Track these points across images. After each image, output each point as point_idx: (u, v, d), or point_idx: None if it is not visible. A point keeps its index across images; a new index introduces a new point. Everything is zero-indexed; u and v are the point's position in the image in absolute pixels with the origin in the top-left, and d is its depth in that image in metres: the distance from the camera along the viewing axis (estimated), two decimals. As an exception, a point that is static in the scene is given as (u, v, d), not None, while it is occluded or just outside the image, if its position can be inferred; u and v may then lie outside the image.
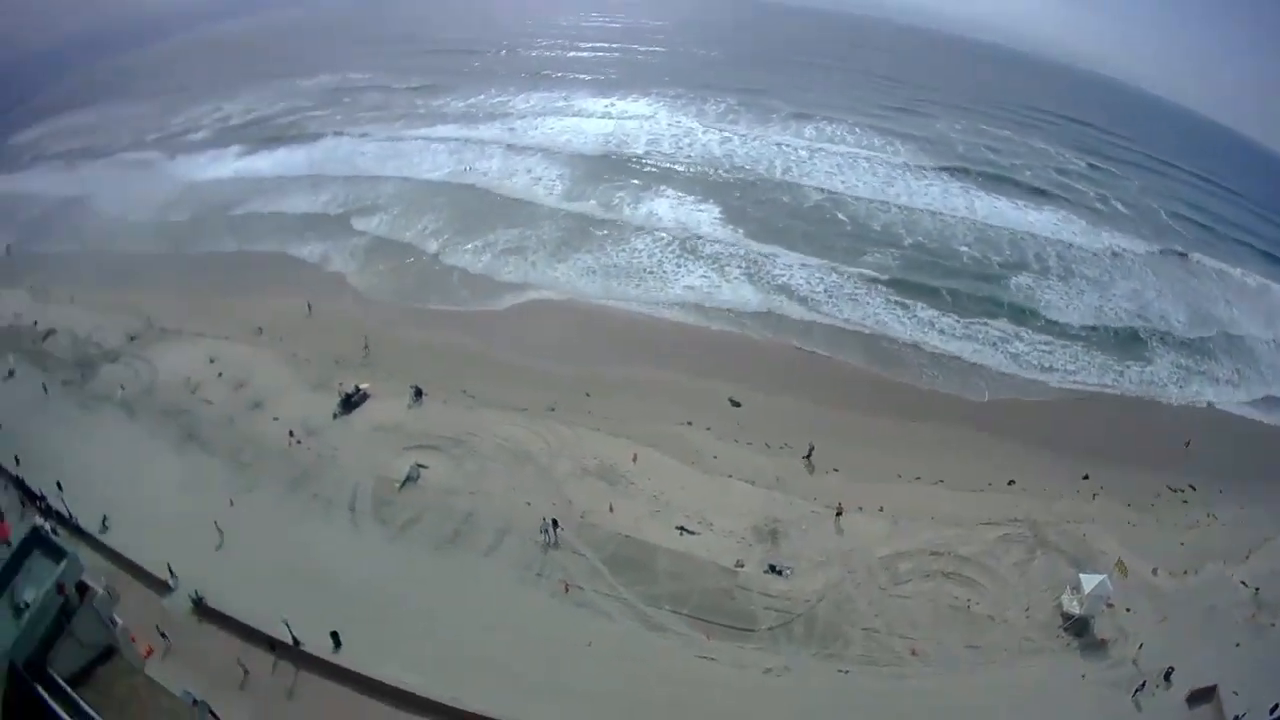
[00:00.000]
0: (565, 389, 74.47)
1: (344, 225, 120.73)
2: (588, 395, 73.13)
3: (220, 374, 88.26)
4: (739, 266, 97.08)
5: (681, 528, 57.17)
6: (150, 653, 54.79)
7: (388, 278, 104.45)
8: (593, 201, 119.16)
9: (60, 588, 48.76)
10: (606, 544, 56.47)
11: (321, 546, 60.94)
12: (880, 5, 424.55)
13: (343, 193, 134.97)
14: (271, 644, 54.16)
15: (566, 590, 53.31)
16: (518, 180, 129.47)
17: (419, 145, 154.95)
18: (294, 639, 52.63)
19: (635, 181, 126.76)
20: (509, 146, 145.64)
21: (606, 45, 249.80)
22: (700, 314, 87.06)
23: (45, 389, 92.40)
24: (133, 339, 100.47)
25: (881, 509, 58.04)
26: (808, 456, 64.07)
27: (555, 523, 58.14)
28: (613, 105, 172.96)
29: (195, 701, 47.74)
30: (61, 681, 45.31)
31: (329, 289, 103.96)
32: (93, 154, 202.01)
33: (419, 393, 77.42)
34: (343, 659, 50.87)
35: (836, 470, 62.60)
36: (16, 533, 57.01)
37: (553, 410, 71.69)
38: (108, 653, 50.12)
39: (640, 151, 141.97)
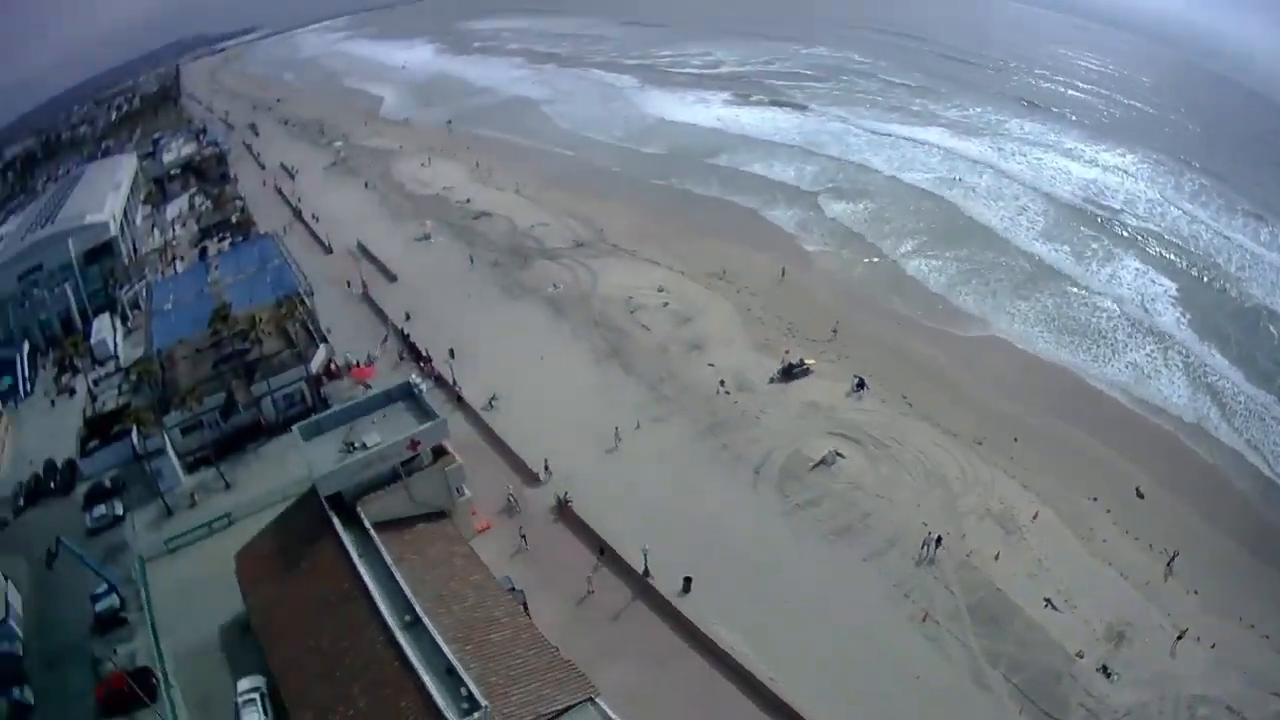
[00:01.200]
0: (996, 427, 73.65)
1: (815, 204, 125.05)
2: (1015, 440, 71.80)
3: (666, 304, 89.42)
4: (1179, 355, 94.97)
5: (1048, 600, 55.07)
6: (486, 528, 57.11)
7: (854, 267, 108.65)
8: (1066, 248, 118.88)
9: (414, 444, 49.87)
10: (977, 589, 55.02)
11: (712, 496, 62.10)
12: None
13: (828, 171, 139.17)
14: (601, 549, 55.54)
15: (924, 620, 52.59)
16: (999, 207, 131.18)
17: (907, 144, 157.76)
18: (645, 569, 53.45)
19: (1105, 239, 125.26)
20: (997, 170, 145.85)
21: (1098, 90, 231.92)
22: (1133, 395, 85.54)
23: (472, 261, 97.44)
24: (579, 245, 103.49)
25: (1214, 646, 53.29)
26: (1169, 564, 59.77)
27: (939, 541, 57.51)
28: (1099, 153, 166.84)
29: (513, 589, 48.75)
30: (366, 522, 46.77)
31: (798, 260, 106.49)
32: (558, 60, 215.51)
33: (861, 384, 76.75)
34: (684, 604, 51.93)
35: (1196, 593, 58.13)
36: (384, 383, 60.08)
37: (980, 444, 70.65)
38: (438, 515, 51.59)
39: (1116, 207, 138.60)
